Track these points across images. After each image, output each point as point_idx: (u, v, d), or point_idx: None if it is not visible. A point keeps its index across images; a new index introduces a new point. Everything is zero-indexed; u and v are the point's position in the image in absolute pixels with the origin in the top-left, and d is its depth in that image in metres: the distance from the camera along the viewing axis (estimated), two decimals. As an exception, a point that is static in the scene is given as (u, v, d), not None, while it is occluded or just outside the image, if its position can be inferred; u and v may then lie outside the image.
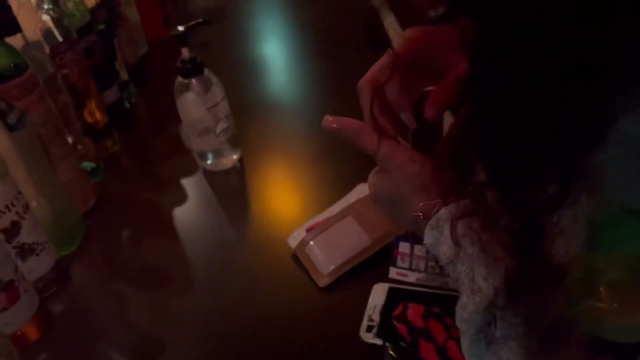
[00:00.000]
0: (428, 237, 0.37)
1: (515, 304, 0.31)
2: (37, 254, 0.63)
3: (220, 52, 1.22)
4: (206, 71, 0.74)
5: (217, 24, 1.36)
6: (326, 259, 0.61)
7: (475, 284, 0.32)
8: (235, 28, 1.31)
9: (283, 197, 0.75)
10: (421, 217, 0.39)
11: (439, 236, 0.36)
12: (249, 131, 0.87)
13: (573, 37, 0.24)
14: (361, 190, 0.69)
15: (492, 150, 0.30)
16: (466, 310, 0.33)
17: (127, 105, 0.97)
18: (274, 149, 0.84)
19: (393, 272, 0.59)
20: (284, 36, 1.27)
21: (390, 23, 1.06)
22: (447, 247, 0.35)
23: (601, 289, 0.29)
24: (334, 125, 0.42)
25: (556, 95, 0.26)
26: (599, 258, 0.30)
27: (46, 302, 0.64)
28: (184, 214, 0.75)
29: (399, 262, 0.59)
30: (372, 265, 0.62)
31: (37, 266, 0.64)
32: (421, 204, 0.39)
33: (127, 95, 0.98)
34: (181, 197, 0.78)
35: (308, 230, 0.65)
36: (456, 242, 0.34)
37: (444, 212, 0.37)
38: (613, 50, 0.23)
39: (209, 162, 0.79)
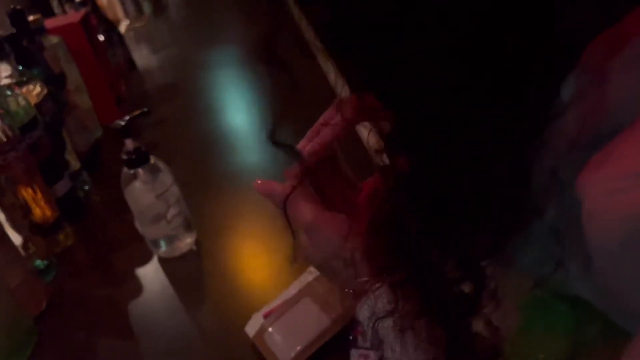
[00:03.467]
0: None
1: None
2: (-19, 373, 0.60)
3: (177, 128, 1.22)
4: (152, 159, 0.74)
5: (173, 100, 1.37)
6: (285, 347, 0.59)
7: None
8: (190, 103, 1.32)
9: (240, 280, 0.74)
10: (351, 293, 0.38)
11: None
12: (207, 209, 0.86)
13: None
14: (318, 266, 0.67)
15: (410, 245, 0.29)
16: None
17: (81, 194, 0.95)
18: (231, 227, 0.82)
19: (355, 354, 0.57)
20: (240, 110, 1.28)
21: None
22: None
23: None
24: (262, 189, 0.44)
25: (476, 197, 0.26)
26: (530, 340, 0.29)
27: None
28: (140, 308, 0.72)
29: (360, 342, 0.57)
30: (335, 345, 0.60)
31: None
32: (351, 281, 0.39)
33: (80, 183, 0.96)
34: (137, 290, 0.75)
35: (265, 315, 0.63)
36: (378, 344, 0.34)
37: (365, 311, 0.36)
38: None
39: (162, 249, 0.77)
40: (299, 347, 0.58)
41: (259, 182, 0.45)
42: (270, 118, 0.35)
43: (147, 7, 1.81)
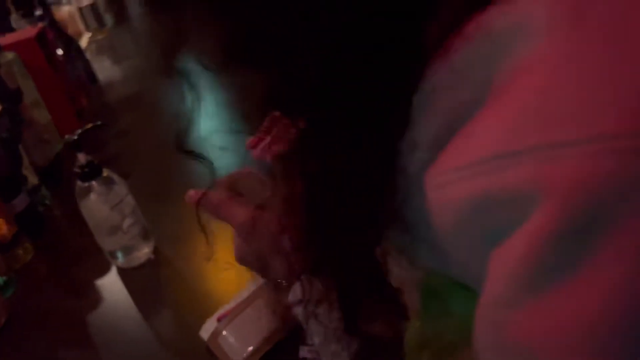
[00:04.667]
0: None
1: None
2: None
3: (139, 139, 1.22)
4: (106, 171, 0.75)
5: (136, 111, 1.37)
6: (238, 348, 0.61)
7: None
8: (153, 114, 1.33)
9: (197, 286, 0.75)
10: (284, 283, 0.41)
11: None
12: (167, 218, 0.87)
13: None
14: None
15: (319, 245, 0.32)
16: None
17: (41, 209, 0.96)
18: (190, 235, 0.83)
19: (304, 350, 0.59)
20: (203, 118, 1.28)
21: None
22: None
23: (428, 352, 0.31)
24: (194, 199, 0.46)
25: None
26: (430, 324, 0.32)
27: None
28: (99, 318, 0.73)
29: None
30: (287, 343, 0.62)
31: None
32: (282, 271, 0.41)
33: (39, 198, 0.97)
34: (96, 301, 0.76)
35: (219, 319, 0.64)
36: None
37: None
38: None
39: (120, 260, 0.78)
40: (250, 348, 0.60)
41: (191, 192, 0.47)
42: (178, 126, 0.36)
43: (108, 19, 1.81)
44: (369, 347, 0.35)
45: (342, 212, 0.28)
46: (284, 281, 0.42)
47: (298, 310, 0.39)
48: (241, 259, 0.47)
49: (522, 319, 0.20)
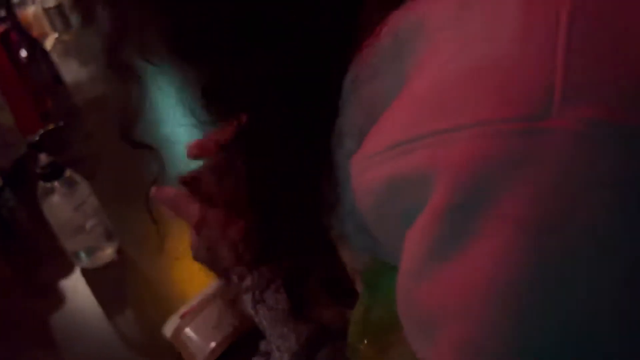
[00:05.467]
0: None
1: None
2: None
3: (106, 140, 1.22)
4: (68, 172, 0.75)
5: (103, 112, 1.37)
6: (201, 344, 0.62)
7: (274, 354, 0.35)
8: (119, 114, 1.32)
9: (161, 285, 0.76)
10: (236, 280, 0.42)
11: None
12: (132, 219, 0.87)
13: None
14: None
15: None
16: None
17: (4, 212, 0.95)
18: (152, 236, 0.84)
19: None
20: (171, 118, 1.29)
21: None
22: None
23: (368, 336, 0.33)
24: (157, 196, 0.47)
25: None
26: (369, 308, 0.33)
27: None
28: (63, 319, 0.74)
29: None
30: (250, 339, 0.63)
31: None
32: (235, 267, 0.42)
33: (1, 201, 0.96)
34: (60, 302, 0.76)
35: (182, 317, 0.65)
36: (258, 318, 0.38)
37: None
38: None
39: (83, 260, 0.78)
40: (212, 344, 0.61)
41: (155, 189, 0.48)
42: (125, 116, 0.37)
43: (74, 20, 1.79)
44: (319, 333, 0.37)
45: (283, 200, 0.30)
46: (234, 273, 0.44)
47: (247, 297, 0.41)
48: (196, 255, 0.48)
49: (426, 289, 0.22)
